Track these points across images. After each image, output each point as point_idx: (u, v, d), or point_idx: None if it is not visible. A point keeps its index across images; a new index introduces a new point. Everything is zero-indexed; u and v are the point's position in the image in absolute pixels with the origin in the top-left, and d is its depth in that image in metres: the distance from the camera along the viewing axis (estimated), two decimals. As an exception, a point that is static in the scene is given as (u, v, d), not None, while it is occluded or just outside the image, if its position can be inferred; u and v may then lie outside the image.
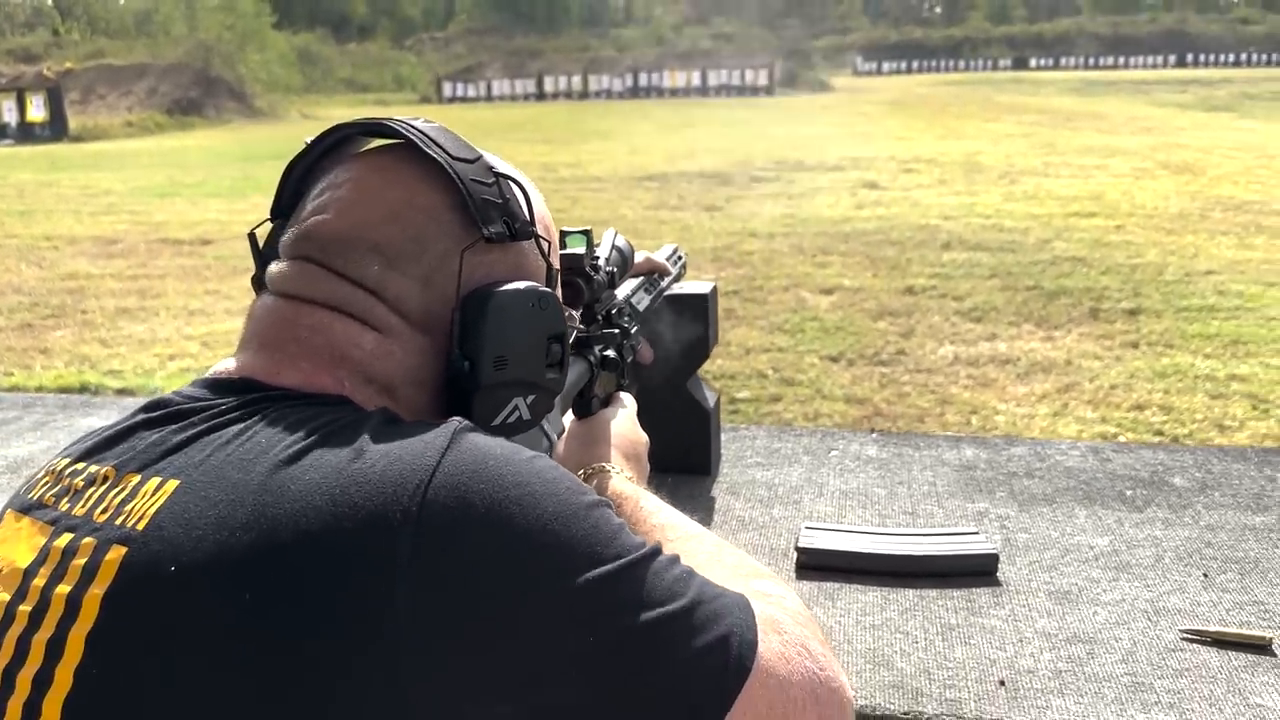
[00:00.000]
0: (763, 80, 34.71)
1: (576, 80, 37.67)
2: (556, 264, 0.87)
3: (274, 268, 0.80)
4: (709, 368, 4.87)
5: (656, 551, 0.69)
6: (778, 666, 0.67)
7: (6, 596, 0.65)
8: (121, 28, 41.70)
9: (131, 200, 11.58)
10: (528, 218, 0.82)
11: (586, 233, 1.09)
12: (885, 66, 53.22)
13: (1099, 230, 8.00)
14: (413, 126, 0.81)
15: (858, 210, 9.28)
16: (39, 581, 0.65)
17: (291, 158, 0.84)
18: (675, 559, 0.70)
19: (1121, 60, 47.63)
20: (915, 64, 52.79)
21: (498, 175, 0.81)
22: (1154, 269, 6.66)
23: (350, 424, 0.68)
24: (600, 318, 1.16)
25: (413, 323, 0.77)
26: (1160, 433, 4.12)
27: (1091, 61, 48.37)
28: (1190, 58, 46.40)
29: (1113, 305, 5.84)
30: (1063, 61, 49.09)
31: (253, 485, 0.63)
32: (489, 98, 37.10)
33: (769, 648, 0.67)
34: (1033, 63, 49.58)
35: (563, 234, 1.08)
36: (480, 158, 0.82)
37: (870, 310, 5.92)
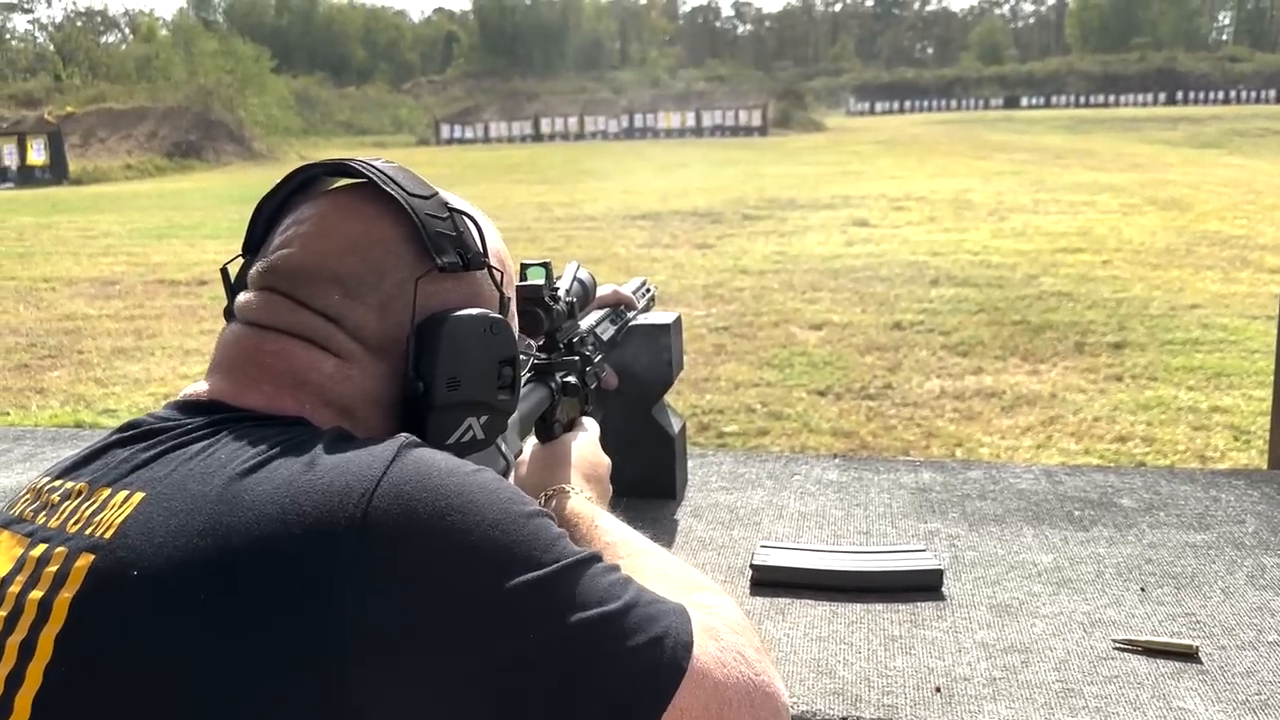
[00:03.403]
0: (756, 121, 35.04)
1: (573, 122, 38.03)
2: (510, 293, 0.93)
3: (241, 298, 0.86)
4: (697, 400, 4.95)
5: (594, 558, 0.72)
6: (713, 670, 0.70)
7: None
8: (122, 72, 42.11)
9: (130, 242, 11.68)
10: (480, 249, 0.88)
11: (546, 265, 1.15)
12: (878, 106, 53.76)
13: (1086, 265, 8.10)
14: (373, 166, 0.87)
15: (848, 247, 9.38)
16: (14, 589, 0.70)
17: (260, 197, 0.90)
18: (614, 566, 0.73)
19: (1111, 98, 48.11)
20: (907, 104, 53.30)
21: (451, 210, 0.87)
22: (1139, 303, 6.75)
23: (304, 441, 0.73)
24: (562, 346, 1.21)
25: (370, 348, 0.83)
26: (1142, 464, 4.17)
27: (1082, 100, 48.85)
28: (1180, 95, 46.87)
29: (1098, 339, 5.91)
30: (1053, 100, 49.59)
31: (211, 496, 0.68)
32: (486, 139, 37.45)
33: (704, 651, 0.70)
34: (1024, 101, 50.04)
35: (523, 266, 1.14)
36: (436, 194, 0.88)
37: (858, 345, 5.99)
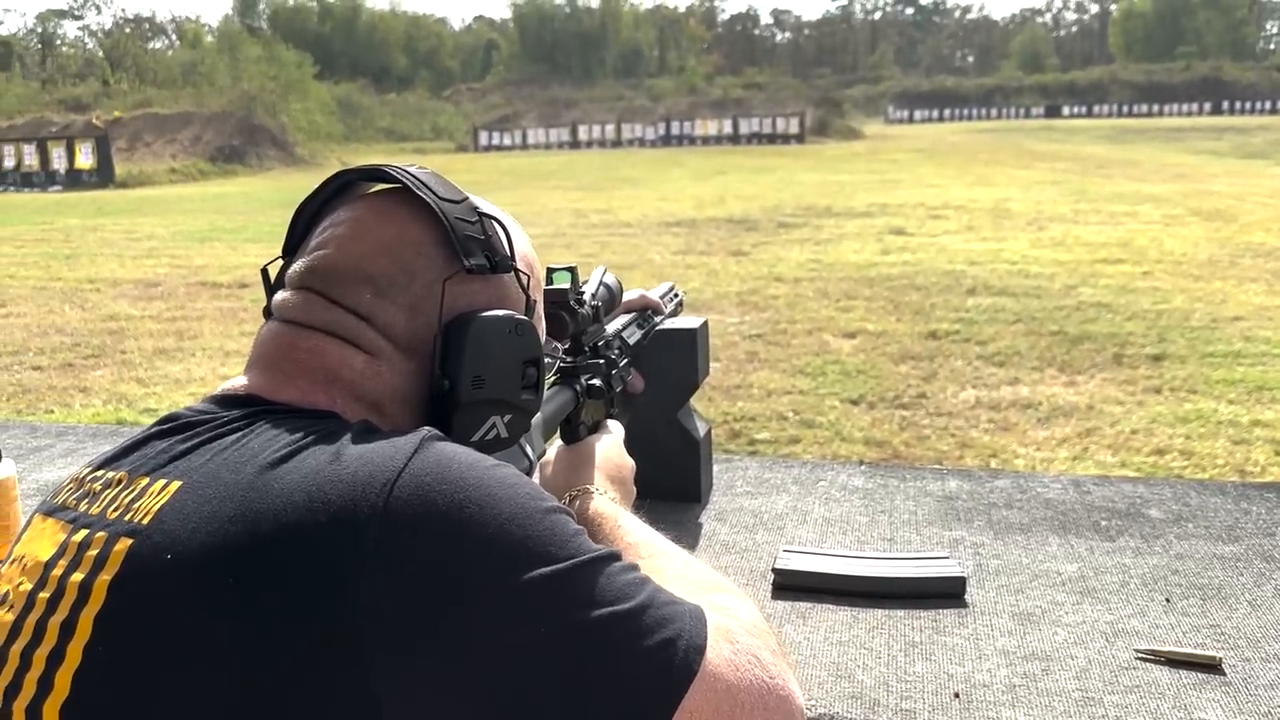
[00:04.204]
0: (794, 128, 34.99)
1: (610, 129, 38.16)
2: (536, 296, 0.95)
3: (279, 296, 0.89)
4: (729, 407, 4.96)
5: (612, 556, 0.73)
6: (726, 673, 0.70)
7: (29, 585, 0.74)
8: (169, 78, 42.83)
9: (173, 244, 11.88)
10: (507, 253, 0.90)
11: (572, 269, 1.17)
12: (917, 115, 53.47)
13: (1126, 276, 8.00)
14: (407, 172, 0.89)
15: (884, 256, 9.34)
16: (57, 572, 0.73)
17: (300, 201, 0.93)
18: (632, 565, 0.74)
19: (1155, 108, 47.53)
20: (947, 112, 52.98)
21: (481, 214, 0.89)
22: (1180, 315, 6.66)
23: (333, 433, 0.75)
24: (588, 349, 1.23)
25: (400, 346, 0.85)
26: (1180, 477, 4.12)
27: (1125, 109, 48.32)
28: (1225, 105, 46.19)
29: (1137, 351, 5.84)
30: (1096, 109, 49.06)
31: (242, 484, 0.71)
32: (524, 146, 37.66)
33: (718, 654, 0.70)
34: (1065, 111, 49.55)
35: (550, 270, 1.16)
36: (466, 199, 0.90)
37: (893, 354, 5.96)
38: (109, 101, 35.23)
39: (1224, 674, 1.05)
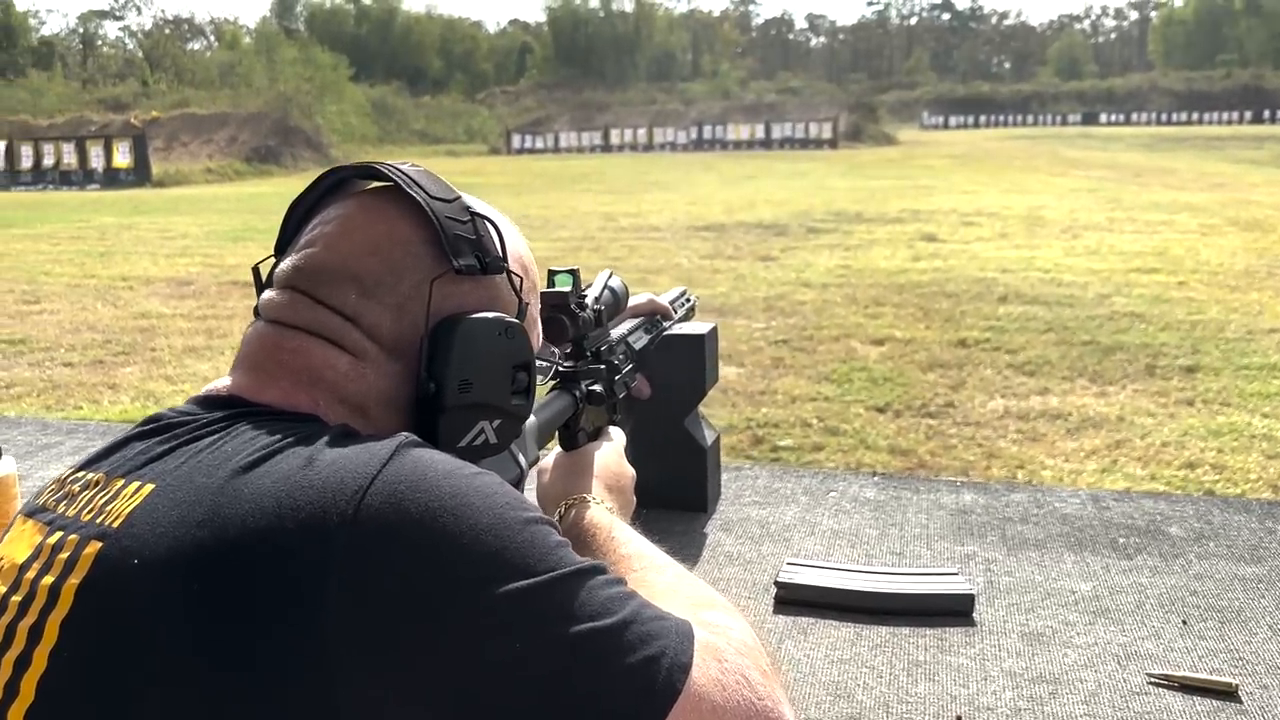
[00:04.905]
0: (827, 133, 34.83)
1: (642, 133, 38.16)
2: (530, 299, 0.92)
3: (265, 296, 0.87)
4: (753, 413, 4.92)
5: (595, 569, 0.71)
6: (712, 693, 0.68)
7: (3, 588, 0.72)
8: (206, 78, 43.35)
9: (206, 243, 11.99)
10: (499, 254, 0.87)
11: (574, 272, 1.15)
12: (952, 121, 53.07)
13: (1160, 286, 7.88)
14: (398, 169, 0.87)
15: (914, 262, 9.25)
16: (30, 574, 0.71)
17: (293, 199, 0.91)
18: (617, 579, 0.72)
19: (1195, 116, 46.89)
20: (982, 119, 52.55)
21: (473, 214, 0.87)
22: (1215, 326, 6.54)
23: (309, 437, 0.73)
24: (589, 354, 1.20)
25: (385, 348, 0.83)
26: (1211, 492, 4.03)
27: (1164, 117, 47.70)
28: (1266, 114, 45.50)
29: (1170, 362, 5.73)
30: (1134, 117, 48.50)
31: (213, 488, 0.69)
32: (557, 149, 37.75)
33: (705, 673, 0.68)
34: (1103, 118, 49.01)
35: (551, 273, 1.14)
36: (459, 198, 0.88)
37: (920, 362, 5.89)
38: (147, 101, 35.71)
39: (1240, 701, 1.01)
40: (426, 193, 0.85)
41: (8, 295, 8.71)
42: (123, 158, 24.39)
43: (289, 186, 22.72)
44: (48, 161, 24.81)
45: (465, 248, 0.85)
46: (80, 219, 15.56)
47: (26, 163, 24.80)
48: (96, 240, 12.67)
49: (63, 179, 24.38)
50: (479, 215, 0.87)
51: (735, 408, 4.97)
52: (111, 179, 23.95)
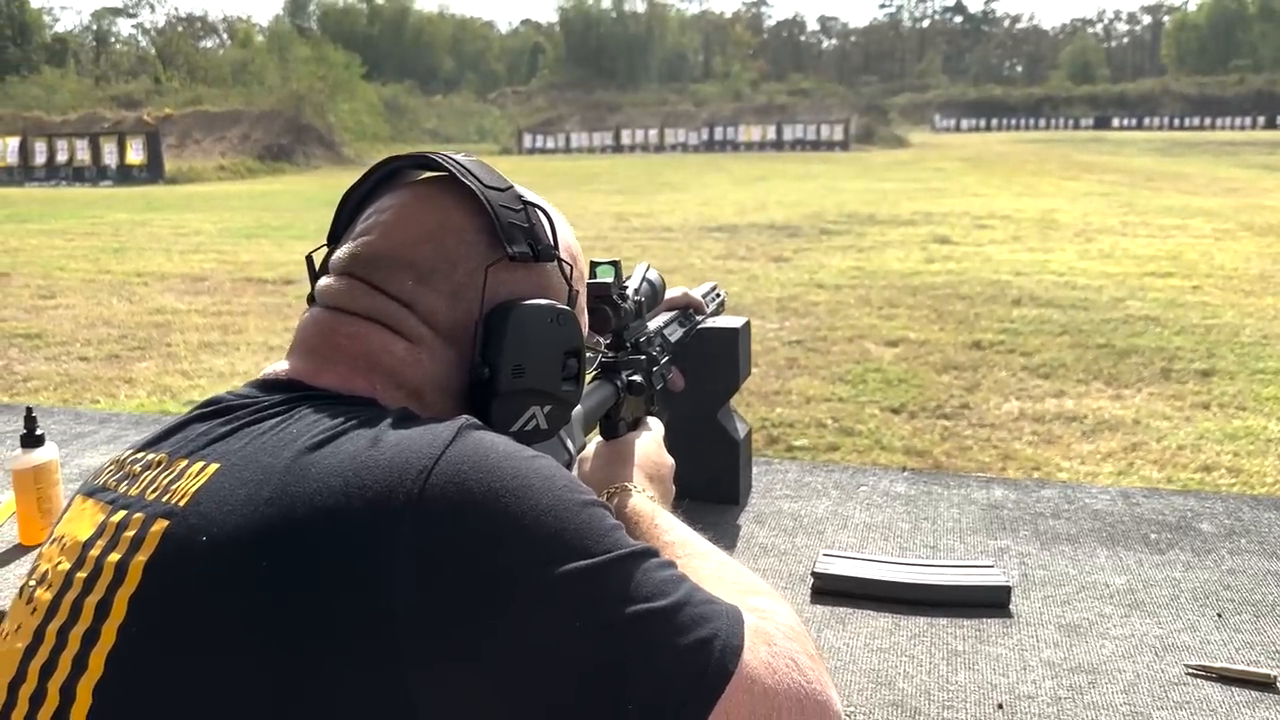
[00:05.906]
0: (838, 135, 34.79)
1: (653, 134, 38.16)
2: (579, 288, 0.93)
3: (322, 283, 0.88)
4: (767, 413, 4.92)
5: (649, 552, 0.72)
6: (763, 675, 0.69)
7: (68, 565, 0.73)
8: (219, 76, 43.47)
9: (220, 240, 12.03)
10: (551, 242, 0.89)
11: (615, 264, 1.16)
12: (964, 124, 52.97)
13: (1175, 290, 7.86)
14: (452, 159, 0.89)
15: (928, 264, 9.24)
16: (94, 552, 0.73)
17: (347, 188, 0.92)
18: (668, 563, 0.73)
19: (1208, 121, 46.73)
20: (994, 122, 52.44)
21: (525, 203, 0.88)
22: (1230, 330, 6.52)
23: (371, 419, 0.74)
24: (629, 345, 1.21)
25: (441, 333, 0.84)
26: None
27: (1176, 122, 47.55)
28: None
29: (1185, 365, 5.72)
30: (1146, 122, 48.36)
31: (279, 468, 0.70)
32: (568, 149, 37.78)
33: (755, 656, 0.69)
34: (1115, 122, 48.86)
35: (593, 264, 1.15)
36: (510, 187, 0.89)
37: (935, 364, 5.89)
38: (160, 99, 35.84)
39: (1278, 692, 1.02)
40: (480, 181, 0.86)
41: (24, 290, 8.76)
42: (136, 154, 24.49)
43: (301, 185, 22.81)
44: (61, 158, 24.92)
45: (519, 235, 0.86)
46: (94, 215, 15.62)
47: (40, 159, 24.92)
48: (110, 236, 12.72)
49: (76, 175, 24.48)
50: (531, 204, 0.89)
51: (750, 407, 4.97)
52: (125, 176, 24.04)
